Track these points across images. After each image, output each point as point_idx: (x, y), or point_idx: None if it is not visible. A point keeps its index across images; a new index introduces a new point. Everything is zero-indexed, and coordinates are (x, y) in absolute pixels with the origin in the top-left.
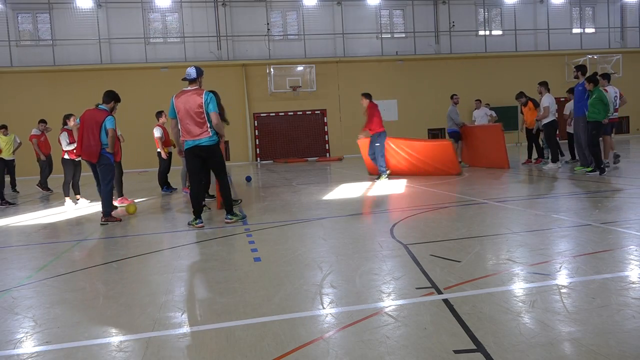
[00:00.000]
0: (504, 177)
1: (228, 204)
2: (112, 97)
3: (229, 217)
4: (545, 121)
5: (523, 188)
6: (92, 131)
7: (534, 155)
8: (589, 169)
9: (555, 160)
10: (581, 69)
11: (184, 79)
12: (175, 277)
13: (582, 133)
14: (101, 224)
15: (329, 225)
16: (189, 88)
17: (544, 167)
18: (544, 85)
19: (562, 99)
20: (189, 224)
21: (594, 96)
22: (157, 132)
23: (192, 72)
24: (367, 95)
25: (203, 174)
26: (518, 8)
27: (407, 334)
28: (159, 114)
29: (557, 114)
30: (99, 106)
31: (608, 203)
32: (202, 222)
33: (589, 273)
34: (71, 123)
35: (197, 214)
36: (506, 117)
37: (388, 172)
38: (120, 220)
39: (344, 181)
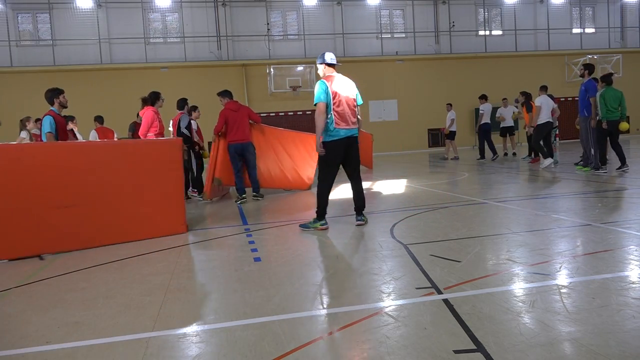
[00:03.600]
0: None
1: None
2: (48, 95)
3: (359, 218)
4: (538, 122)
5: (523, 188)
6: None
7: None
8: (586, 168)
9: (546, 156)
10: (589, 67)
11: (333, 65)
12: (175, 277)
13: (584, 133)
14: None
15: (330, 225)
16: (337, 74)
17: (541, 166)
18: (542, 88)
19: (562, 99)
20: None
21: (600, 96)
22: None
23: (334, 57)
24: (224, 93)
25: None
26: (518, 8)
27: (407, 334)
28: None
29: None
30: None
31: (608, 203)
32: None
33: (589, 273)
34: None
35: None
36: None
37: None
38: None
39: (344, 181)
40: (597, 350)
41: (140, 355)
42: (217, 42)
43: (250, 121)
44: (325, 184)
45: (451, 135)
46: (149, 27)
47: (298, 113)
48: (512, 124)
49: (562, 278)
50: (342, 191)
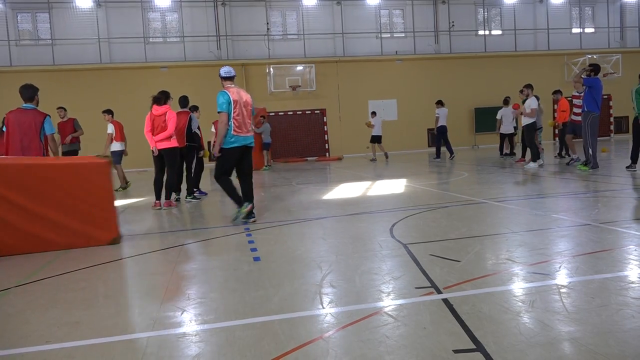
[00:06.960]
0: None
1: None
2: (31, 92)
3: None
4: (527, 122)
5: (522, 188)
6: (31, 135)
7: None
8: (586, 167)
9: (535, 159)
10: (595, 68)
11: (230, 78)
12: (175, 277)
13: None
14: None
15: (329, 225)
16: (234, 85)
17: (525, 167)
18: (529, 87)
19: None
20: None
21: (636, 92)
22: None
23: (231, 70)
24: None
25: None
26: (518, 8)
27: (407, 333)
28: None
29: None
30: (24, 106)
31: (608, 203)
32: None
33: (589, 273)
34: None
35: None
36: None
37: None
38: None
39: (343, 181)
40: (596, 350)
41: (140, 355)
42: (216, 42)
43: None
44: (224, 178)
45: (374, 139)
46: (149, 27)
47: (297, 113)
48: (513, 131)
49: (562, 278)
50: (340, 191)
